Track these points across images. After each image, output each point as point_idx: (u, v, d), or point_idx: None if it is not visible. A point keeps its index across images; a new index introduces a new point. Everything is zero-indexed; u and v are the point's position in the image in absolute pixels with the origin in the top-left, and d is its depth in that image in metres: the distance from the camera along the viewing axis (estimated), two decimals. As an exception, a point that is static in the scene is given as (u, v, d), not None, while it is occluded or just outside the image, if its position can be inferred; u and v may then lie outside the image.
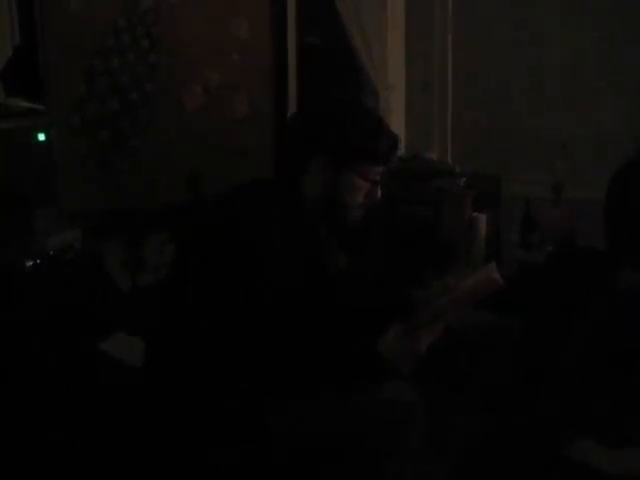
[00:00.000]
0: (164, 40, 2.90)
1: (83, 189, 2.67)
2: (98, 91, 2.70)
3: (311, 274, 1.67)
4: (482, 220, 3.40)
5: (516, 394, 2.12)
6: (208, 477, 1.57)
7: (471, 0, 3.99)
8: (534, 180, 3.73)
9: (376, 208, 1.77)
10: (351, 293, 1.83)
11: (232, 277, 1.53)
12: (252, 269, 1.53)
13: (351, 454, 1.55)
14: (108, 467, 1.85)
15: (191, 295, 1.59)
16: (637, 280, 2.22)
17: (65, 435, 1.90)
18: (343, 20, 3.67)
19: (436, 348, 1.62)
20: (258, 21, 3.32)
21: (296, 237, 1.63)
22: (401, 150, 3.74)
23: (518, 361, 2.04)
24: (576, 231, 3.35)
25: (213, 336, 1.54)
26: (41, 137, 2.30)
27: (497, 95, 3.95)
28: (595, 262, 2.58)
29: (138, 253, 2.72)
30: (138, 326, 2.01)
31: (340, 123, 1.67)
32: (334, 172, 1.66)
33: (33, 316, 2.00)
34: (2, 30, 2.36)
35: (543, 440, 2.07)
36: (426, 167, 3.72)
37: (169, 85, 2.95)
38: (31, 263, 2.12)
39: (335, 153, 1.66)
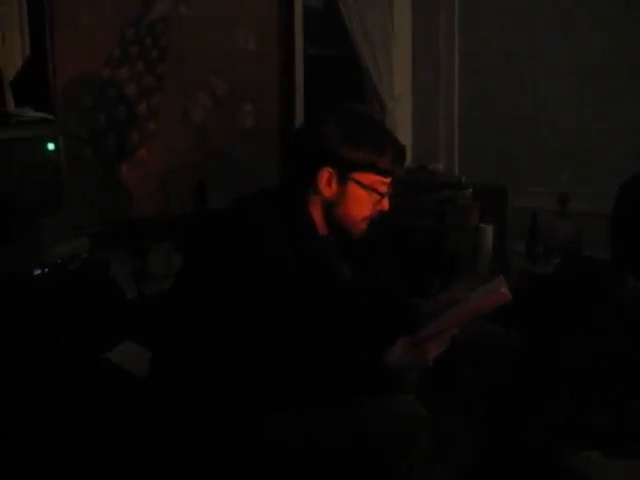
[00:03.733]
0: (172, 51, 2.92)
1: (91, 198, 2.68)
2: (106, 101, 2.72)
3: (317, 286, 1.67)
4: (488, 231, 3.40)
5: (518, 404, 2.11)
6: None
7: (477, 13, 4.01)
8: (540, 192, 3.73)
9: (382, 219, 1.76)
10: (357, 305, 1.82)
11: (237, 289, 1.53)
12: (257, 281, 1.53)
13: (354, 466, 1.55)
14: (111, 475, 1.85)
15: (197, 307, 1.59)
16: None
17: (69, 444, 1.90)
18: (350, 32, 3.69)
19: (439, 358, 1.61)
20: (265, 32, 3.35)
21: (302, 249, 1.63)
22: (408, 162, 3.75)
23: (520, 371, 2.04)
24: (581, 242, 3.35)
25: (219, 348, 1.54)
26: (50, 146, 2.30)
27: (503, 107, 3.95)
28: (601, 272, 2.59)
29: (144, 263, 2.72)
30: (144, 336, 2.02)
31: (347, 135, 1.67)
32: (342, 184, 1.67)
33: (40, 324, 2.01)
34: (13, 41, 2.37)
35: (546, 451, 2.07)
36: (433, 178, 3.72)
37: (176, 96, 2.97)
38: (39, 272, 2.12)
39: (342, 165, 1.66)
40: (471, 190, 3.62)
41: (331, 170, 1.65)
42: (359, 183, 1.67)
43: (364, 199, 1.68)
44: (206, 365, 1.55)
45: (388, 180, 1.71)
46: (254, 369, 1.51)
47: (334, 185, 1.66)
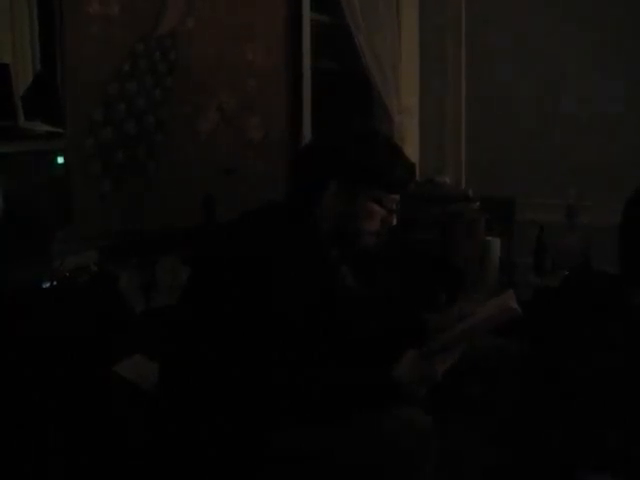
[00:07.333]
0: (181, 65, 2.94)
1: (99, 211, 2.69)
2: (115, 115, 2.73)
3: (324, 299, 1.67)
4: (495, 244, 3.40)
5: (528, 421, 2.10)
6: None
7: (484, 27, 4.02)
8: (547, 205, 3.73)
9: (390, 232, 1.77)
10: (364, 318, 1.82)
11: (244, 302, 1.54)
12: (264, 294, 1.54)
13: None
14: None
15: (203, 319, 1.60)
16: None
17: (77, 457, 1.90)
18: (357, 46, 3.70)
19: (448, 372, 1.61)
20: (274, 47, 3.37)
21: (309, 262, 1.63)
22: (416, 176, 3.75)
23: (529, 386, 2.03)
24: (590, 255, 3.34)
25: (225, 359, 1.54)
26: (59, 160, 2.32)
27: (511, 120, 3.96)
28: (609, 286, 2.58)
29: (152, 275, 2.73)
30: (152, 349, 2.02)
31: (357, 151, 1.67)
32: (350, 198, 1.67)
33: (48, 337, 2.01)
34: (24, 55, 2.40)
35: (556, 472, 2.05)
36: (440, 191, 3.72)
37: (185, 109, 2.99)
38: (47, 285, 2.13)
39: (351, 180, 1.66)
40: (478, 203, 3.62)
41: (340, 185, 1.66)
42: (367, 198, 1.67)
43: (371, 214, 1.69)
44: (214, 376, 1.56)
45: (397, 196, 1.72)
46: (261, 379, 1.51)
47: (343, 200, 1.67)
